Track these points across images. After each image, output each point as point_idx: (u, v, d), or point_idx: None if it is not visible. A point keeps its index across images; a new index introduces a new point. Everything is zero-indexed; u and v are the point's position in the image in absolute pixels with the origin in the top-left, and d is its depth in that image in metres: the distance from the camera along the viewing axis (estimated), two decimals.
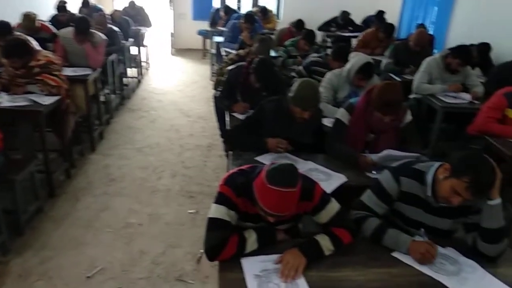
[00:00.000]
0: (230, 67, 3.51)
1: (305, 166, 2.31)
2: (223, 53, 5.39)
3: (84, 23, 4.02)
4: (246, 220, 1.67)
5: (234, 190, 1.58)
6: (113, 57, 4.88)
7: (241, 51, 4.08)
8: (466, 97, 3.76)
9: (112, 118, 5.06)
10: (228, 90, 3.35)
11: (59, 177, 3.54)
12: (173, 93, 6.40)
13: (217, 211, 1.58)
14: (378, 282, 1.53)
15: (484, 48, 4.58)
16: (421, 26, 5.96)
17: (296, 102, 2.36)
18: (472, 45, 4.65)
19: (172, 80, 7.15)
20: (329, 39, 7.31)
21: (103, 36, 4.31)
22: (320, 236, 1.64)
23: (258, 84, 3.13)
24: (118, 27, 5.53)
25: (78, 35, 3.97)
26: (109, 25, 5.28)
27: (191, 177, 3.81)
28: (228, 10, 7.38)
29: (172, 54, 9.20)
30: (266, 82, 3.11)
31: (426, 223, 1.79)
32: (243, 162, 2.33)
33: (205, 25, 8.20)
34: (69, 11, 5.79)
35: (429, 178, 1.70)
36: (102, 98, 4.53)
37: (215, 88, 3.99)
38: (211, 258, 1.55)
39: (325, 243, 1.61)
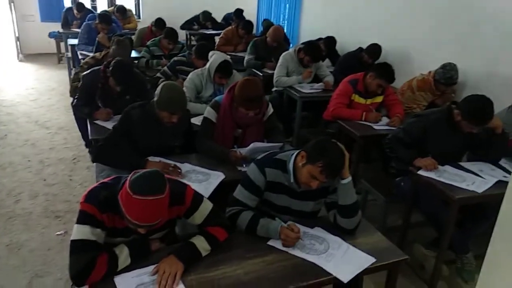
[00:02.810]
0: (85, 72, 3.26)
1: (183, 169, 2.29)
2: (80, 57, 4.99)
3: None
4: (116, 236, 1.57)
5: (97, 206, 1.47)
6: None
7: (97, 54, 3.83)
8: (320, 86, 4.14)
9: None
10: (86, 97, 3.11)
11: None
12: (25, 103, 5.70)
13: (80, 231, 1.45)
14: (255, 272, 1.59)
15: (330, 41, 5.10)
16: (267, 21, 6.39)
17: (162, 106, 2.29)
18: (320, 38, 5.14)
19: (23, 89, 6.35)
20: (193, 38, 7.32)
21: None
22: (196, 237, 1.64)
23: (119, 87, 2.97)
24: None
25: None
26: None
27: (56, 195, 3.46)
28: (80, 7, 6.81)
29: (20, 61, 8.17)
30: (127, 85, 2.97)
31: (292, 207, 1.92)
32: (112, 173, 2.20)
33: (57, 27, 7.47)
34: None
35: (290, 166, 1.83)
36: None
37: (72, 96, 3.67)
38: (78, 284, 1.42)
39: (201, 244, 1.61)
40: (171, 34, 4.74)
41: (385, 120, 3.35)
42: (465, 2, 3.71)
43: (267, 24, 6.15)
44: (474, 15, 3.61)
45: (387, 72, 3.30)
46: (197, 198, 1.68)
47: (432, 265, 2.49)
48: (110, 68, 2.94)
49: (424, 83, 3.73)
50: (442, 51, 3.94)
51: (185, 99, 2.40)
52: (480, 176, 2.42)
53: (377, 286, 2.32)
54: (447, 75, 3.54)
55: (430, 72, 3.75)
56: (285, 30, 6.29)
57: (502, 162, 2.61)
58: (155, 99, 2.31)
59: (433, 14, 4.08)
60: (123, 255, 1.51)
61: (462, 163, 2.59)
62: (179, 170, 2.25)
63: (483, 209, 2.49)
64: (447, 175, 2.41)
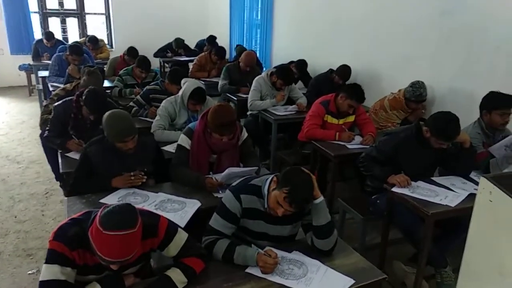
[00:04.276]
0: (57, 103, 3.21)
1: (157, 199, 2.26)
2: (51, 88, 4.92)
3: None
4: (87, 273, 1.52)
5: (66, 244, 1.43)
6: None
7: (67, 86, 3.78)
8: (294, 108, 4.19)
9: None
10: (58, 128, 3.05)
11: None
12: None
13: (49, 272, 1.40)
14: None
15: (302, 64, 5.20)
16: (240, 46, 6.50)
17: (112, 138, 2.28)
18: (291, 62, 5.24)
19: None
20: (167, 65, 7.34)
21: None
22: (171, 270, 1.60)
23: (93, 116, 2.93)
24: None
25: None
26: None
27: (28, 232, 3.34)
28: (49, 36, 6.74)
29: None
30: (101, 114, 2.92)
31: (269, 233, 1.91)
32: (84, 207, 2.16)
33: (27, 59, 7.38)
34: None
35: (264, 191, 1.83)
36: None
37: (42, 128, 3.60)
38: None
39: (177, 276, 1.58)
40: (143, 62, 4.74)
41: (358, 139, 3.40)
42: (432, 20, 3.85)
43: (240, 49, 6.24)
44: (441, 33, 3.76)
45: (357, 92, 3.37)
46: (171, 229, 1.65)
47: (413, 281, 2.49)
48: (83, 97, 2.91)
49: (396, 102, 3.84)
50: (410, 69, 4.07)
51: (130, 123, 2.33)
52: (452, 190, 2.46)
53: None
54: (416, 93, 3.66)
55: (400, 90, 3.86)
56: (257, 55, 6.41)
57: (473, 175, 2.67)
58: (105, 132, 2.30)
59: (400, 34, 4.23)
60: None
61: (434, 178, 2.64)
62: (141, 174, 2.30)
63: (458, 223, 2.53)
64: (421, 190, 2.45)
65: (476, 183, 2.56)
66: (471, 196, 2.36)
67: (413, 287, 2.48)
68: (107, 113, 2.34)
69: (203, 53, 6.19)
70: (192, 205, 2.21)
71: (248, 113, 4.40)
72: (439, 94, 3.83)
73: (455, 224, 2.55)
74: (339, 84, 4.41)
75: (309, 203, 1.76)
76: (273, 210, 1.78)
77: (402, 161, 2.61)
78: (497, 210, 1.15)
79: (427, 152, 2.60)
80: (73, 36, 8.72)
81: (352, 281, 1.68)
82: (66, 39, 8.42)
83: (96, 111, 2.90)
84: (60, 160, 2.84)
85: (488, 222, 1.19)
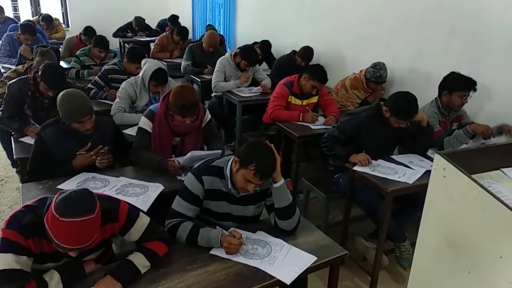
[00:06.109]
0: (10, 81, 3.03)
1: (118, 183, 2.20)
2: (3, 70, 4.64)
3: None
4: (45, 261, 1.47)
5: (20, 232, 1.37)
6: None
7: (19, 67, 3.58)
8: (258, 89, 4.18)
9: None
10: (14, 108, 2.89)
11: None
12: None
13: (2, 261, 1.34)
14: (198, 284, 1.56)
15: (266, 44, 5.15)
16: (210, 26, 6.34)
17: (68, 119, 2.19)
18: (255, 42, 5.19)
19: None
20: (127, 45, 7.08)
21: None
22: (134, 254, 1.57)
23: (51, 92, 2.78)
24: None
25: None
26: None
27: None
28: None
29: None
30: (60, 89, 2.79)
31: (233, 213, 1.92)
32: (41, 194, 2.07)
33: None
34: None
35: (227, 172, 1.83)
36: None
37: None
38: None
39: (140, 260, 1.55)
40: (101, 41, 4.54)
41: (321, 119, 3.44)
42: (390, 1, 3.90)
43: (211, 29, 6.09)
44: (399, 14, 3.82)
45: (319, 73, 3.39)
46: (132, 213, 1.61)
47: (373, 256, 2.58)
48: (40, 73, 2.75)
49: (356, 81, 3.90)
50: (371, 50, 4.13)
51: (86, 102, 2.24)
52: (410, 168, 2.55)
53: (323, 281, 2.37)
54: (377, 74, 3.72)
55: (361, 71, 3.92)
56: (222, 34, 6.30)
57: (429, 153, 2.77)
58: (59, 114, 2.21)
59: (361, 14, 4.26)
60: (54, 282, 1.42)
61: (393, 156, 2.72)
62: (102, 151, 2.23)
63: (416, 199, 2.63)
64: (381, 168, 2.52)
65: (432, 160, 2.66)
66: (428, 173, 2.43)
67: (373, 261, 2.57)
68: (60, 93, 2.22)
69: (164, 33, 6.01)
70: (154, 189, 2.17)
71: (212, 94, 4.35)
72: (398, 74, 3.91)
73: (413, 200, 2.65)
74: (301, 65, 4.41)
75: (275, 170, 1.77)
76: (242, 189, 1.79)
77: (363, 141, 2.67)
78: (450, 185, 1.20)
79: (387, 131, 2.67)
80: (25, 14, 8.22)
81: (315, 258, 1.72)
82: (17, 17, 7.94)
83: (55, 87, 2.75)
84: (13, 146, 2.71)
85: (442, 197, 1.24)
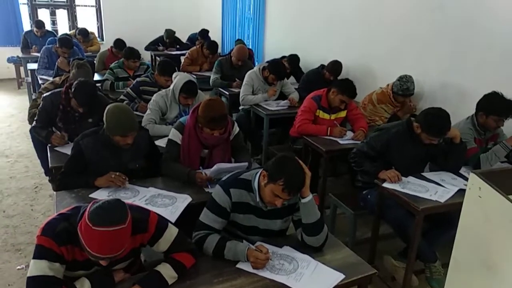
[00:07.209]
0: (45, 94, 3.16)
1: (147, 194, 2.24)
2: (41, 81, 4.85)
3: None
4: (76, 269, 1.51)
5: (54, 240, 1.41)
6: None
7: (56, 79, 3.73)
8: (286, 103, 4.18)
9: None
10: (46, 119, 3.01)
11: None
12: None
13: (36, 267, 1.38)
14: None
15: (294, 59, 5.17)
16: (239, 41, 6.43)
17: (112, 131, 2.24)
18: (284, 56, 5.22)
19: None
20: (158, 58, 7.26)
21: None
22: (161, 265, 1.59)
23: (82, 108, 2.89)
24: None
25: None
26: None
27: (16, 227, 3.30)
28: (40, 24, 6.62)
29: None
30: (90, 106, 2.89)
31: (260, 227, 1.91)
32: (73, 202, 2.13)
33: (16, 51, 7.26)
34: None
35: (255, 185, 1.83)
36: None
37: (30, 123, 3.55)
38: None
39: (167, 271, 1.57)
40: (131, 52, 4.68)
41: (350, 134, 3.41)
42: (422, 15, 3.85)
43: (240, 43, 6.18)
44: (431, 27, 3.76)
45: (348, 87, 3.37)
46: (161, 224, 1.64)
47: (402, 276, 2.51)
48: (73, 89, 2.86)
49: (383, 96, 3.85)
50: (401, 64, 4.08)
51: (134, 118, 2.30)
52: (442, 186, 2.48)
53: None
54: (404, 87, 3.66)
55: (388, 85, 3.87)
56: (251, 48, 6.37)
57: (462, 171, 2.70)
58: (105, 125, 2.27)
59: (390, 28, 4.23)
60: None
61: (424, 174, 2.66)
62: (124, 178, 2.25)
63: (448, 218, 2.55)
64: (411, 186, 2.46)
65: (466, 179, 2.58)
66: (461, 192, 2.38)
67: (403, 281, 2.50)
68: (110, 105, 2.30)
69: (194, 47, 6.14)
70: (182, 200, 2.20)
71: (240, 107, 4.39)
72: (429, 89, 3.84)
73: (444, 219, 2.57)
74: (330, 79, 4.40)
75: (304, 185, 1.76)
76: (270, 203, 1.79)
77: (393, 157, 2.62)
78: (486, 206, 1.16)
79: (418, 147, 2.61)
80: (63, 28, 8.59)
81: (342, 276, 1.69)
82: (55, 31, 8.29)
83: (85, 104, 2.87)
84: (49, 154, 2.81)
85: (477, 217, 1.20)
